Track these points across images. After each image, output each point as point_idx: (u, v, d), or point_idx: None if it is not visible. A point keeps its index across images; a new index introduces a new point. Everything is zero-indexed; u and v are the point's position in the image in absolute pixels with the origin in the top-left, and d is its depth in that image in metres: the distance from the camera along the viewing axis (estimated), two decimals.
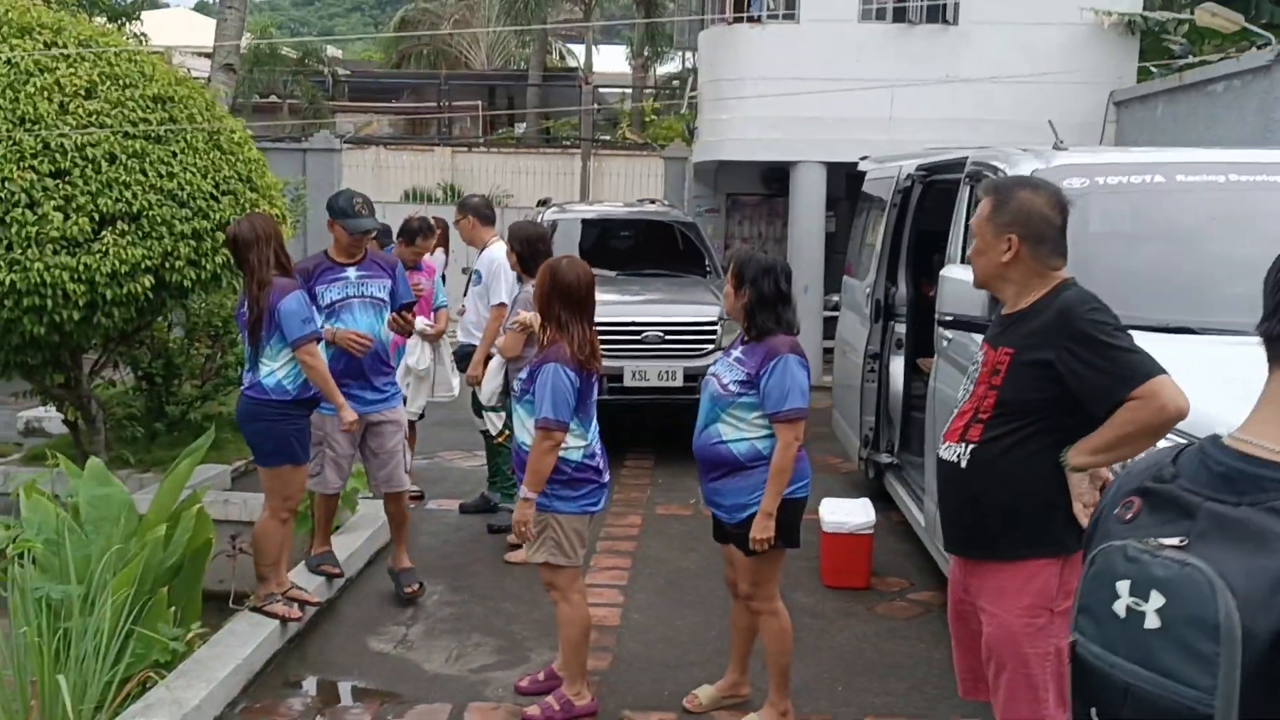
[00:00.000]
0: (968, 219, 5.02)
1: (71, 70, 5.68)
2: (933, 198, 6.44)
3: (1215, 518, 1.22)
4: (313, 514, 5.40)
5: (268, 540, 4.63)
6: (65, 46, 5.74)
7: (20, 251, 5.27)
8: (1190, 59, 11.54)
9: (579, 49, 30.09)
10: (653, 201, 11.25)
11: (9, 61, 5.47)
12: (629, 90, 25.70)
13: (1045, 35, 11.54)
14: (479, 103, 25.43)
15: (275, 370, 4.49)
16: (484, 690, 4.42)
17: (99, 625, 3.74)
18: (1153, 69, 12.44)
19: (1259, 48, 8.87)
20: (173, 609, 4.22)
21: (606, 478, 4.24)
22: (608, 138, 23.09)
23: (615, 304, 8.51)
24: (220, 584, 5.28)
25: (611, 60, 31.99)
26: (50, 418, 7.90)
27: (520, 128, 26.81)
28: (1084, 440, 2.69)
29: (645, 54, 24.62)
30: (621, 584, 5.63)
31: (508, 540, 5.73)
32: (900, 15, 11.80)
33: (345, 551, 5.57)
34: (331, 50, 42.88)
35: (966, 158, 5.37)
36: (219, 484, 6.69)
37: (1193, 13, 10.13)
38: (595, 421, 4.22)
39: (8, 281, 5.21)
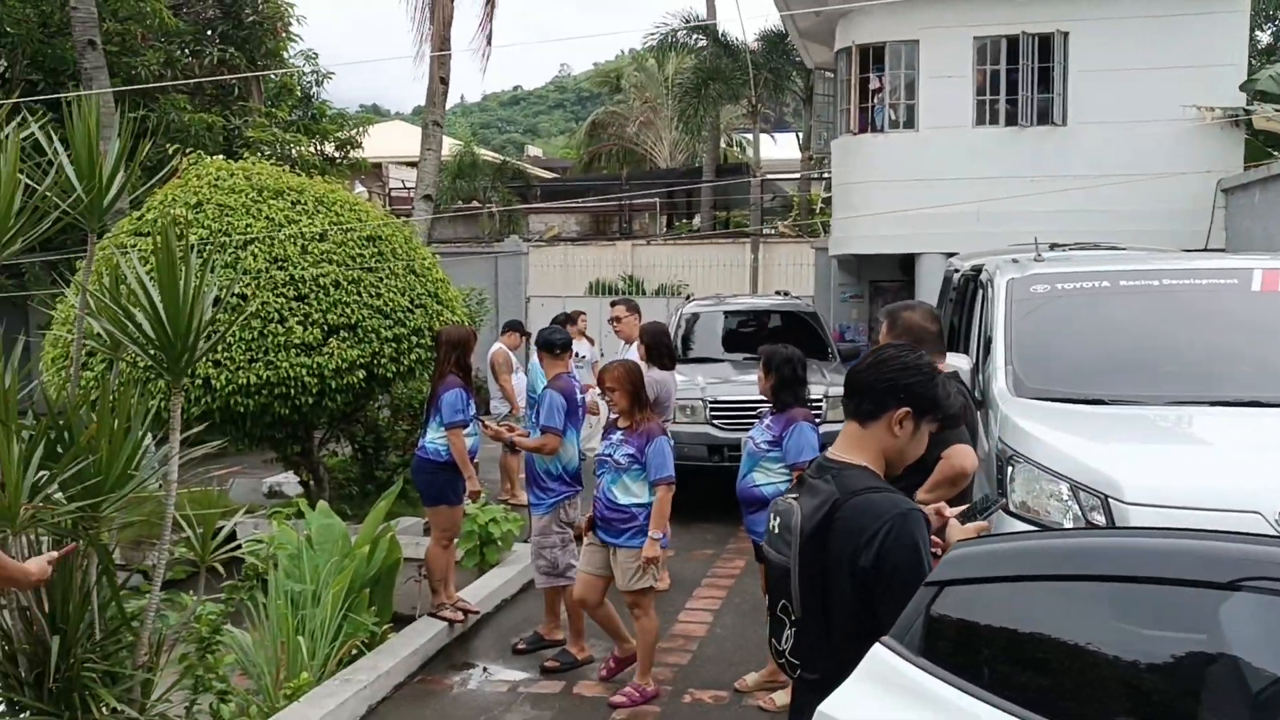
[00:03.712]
0: (981, 312, 6.34)
1: (310, 221, 7.74)
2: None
3: (809, 485, 2.68)
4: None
5: (435, 562, 6.34)
6: (306, 204, 7.84)
7: (273, 355, 7.28)
8: None
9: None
10: (785, 294, 12.73)
11: (268, 218, 7.58)
12: (797, 178, 27.22)
13: (1151, 131, 12.44)
14: (656, 200, 27.46)
15: (435, 440, 6.22)
16: (589, 673, 5.96)
17: (323, 612, 5.51)
18: (1274, 154, 13.04)
19: None
20: (372, 607, 5.96)
21: None
22: (779, 226, 24.37)
23: (738, 383, 10.02)
24: (411, 609, 7.05)
25: (786, 148, 33.27)
26: (288, 482, 10.03)
27: (696, 220, 28.76)
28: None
29: (812, 147, 26.16)
30: (715, 609, 7.06)
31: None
32: (1012, 119, 12.97)
33: (501, 580, 7.24)
34: (532, 149, 46.34)
35: (983, 264, 6.68)
36: (414, 532, 8.52)
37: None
38: None
39: (265, 376, 7.22)
